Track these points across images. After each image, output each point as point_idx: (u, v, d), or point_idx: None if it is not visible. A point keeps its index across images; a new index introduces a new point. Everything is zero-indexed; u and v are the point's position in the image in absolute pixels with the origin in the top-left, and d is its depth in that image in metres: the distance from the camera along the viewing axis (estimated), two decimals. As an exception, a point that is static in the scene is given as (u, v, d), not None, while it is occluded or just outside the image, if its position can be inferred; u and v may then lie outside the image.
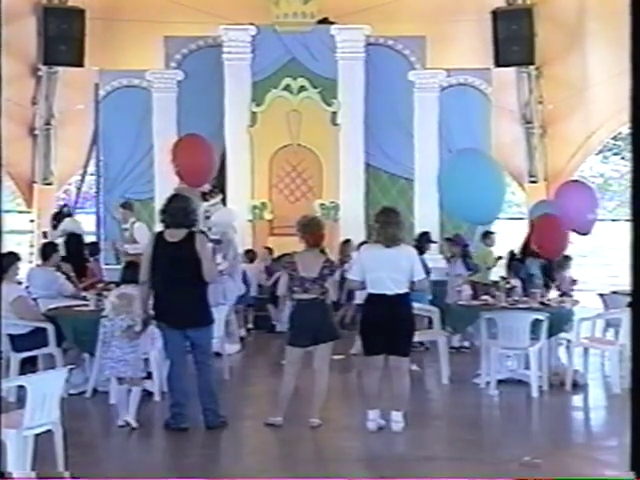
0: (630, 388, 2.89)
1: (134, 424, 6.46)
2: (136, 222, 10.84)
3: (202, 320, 6.57)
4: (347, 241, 11.85)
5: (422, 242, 9.66)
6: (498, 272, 10.45)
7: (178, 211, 6.51)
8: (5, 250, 8.06)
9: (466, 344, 9.85)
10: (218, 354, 8.10)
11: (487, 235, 11.13)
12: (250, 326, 11.66)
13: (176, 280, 6.36)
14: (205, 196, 10.68)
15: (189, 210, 6.62)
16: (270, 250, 12.40)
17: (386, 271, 6.28)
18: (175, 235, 6.45)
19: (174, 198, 6.79)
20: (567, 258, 10.62)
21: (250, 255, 12.01)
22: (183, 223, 6.49)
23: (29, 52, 14.48)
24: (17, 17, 13.55)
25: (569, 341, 8.48)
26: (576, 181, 12.07)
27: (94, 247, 11.49)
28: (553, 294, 9.59)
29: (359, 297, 8.44)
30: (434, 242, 10.45)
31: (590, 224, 9.82)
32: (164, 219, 6.56)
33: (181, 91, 13.80)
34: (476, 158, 9.49)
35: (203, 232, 7.63)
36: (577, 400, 7.80)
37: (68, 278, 8.98)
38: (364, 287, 6.45)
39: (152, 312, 6.53)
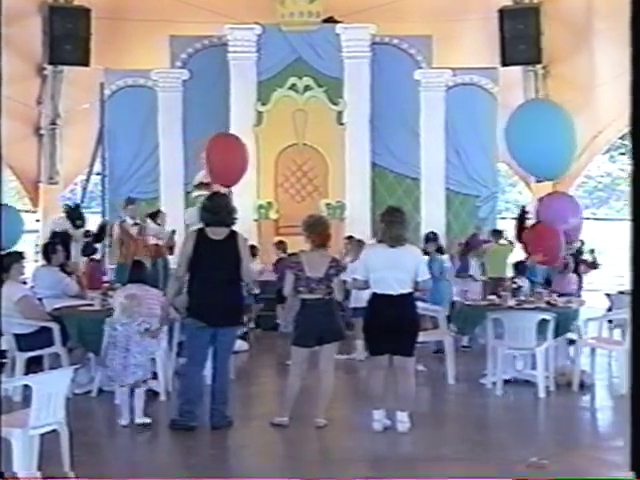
0: (630, 388, 2.88)
1: (146, 420, 6.47)
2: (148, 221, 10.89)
3: (236, 320, 6.64)
4: (351, 237, 11.71)
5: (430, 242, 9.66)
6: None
7: (221, 209, 6.51)
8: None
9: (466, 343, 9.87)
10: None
11: (495, 233, 11.26)
12: (252, 325, 11.51)
13: (218, 278, 6.36)
14: (200, 186, 10.75)
15: (231, 208, 6.63)
16: (283, 243, 12.13)
17: (390, 271, 6.27)
18: (218, 233, 6.45)
19: (215, 196, 6.79)
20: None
21: (252, 251, 11.80)
22: (225, 221, 6.50)
23: (34, 51, 14.51)
24: (22, 16, 13.58)
25: (574, 341, 8.49)
26: (556, 192, 12.04)
27: (89, 247, 11.47)
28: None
29: (354, 300, 8.42)
30: (440, 245, 10.43)
31: (574, 230, 9.77)
32: (205, 217, 6.56)
33: (186, 90, 13.83)
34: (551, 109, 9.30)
35: None
36: (584, 401, 7.78)
37: (73, 278, 9.01)
38: (368, 286, 6.45)
39: (183, 309, 6.55)
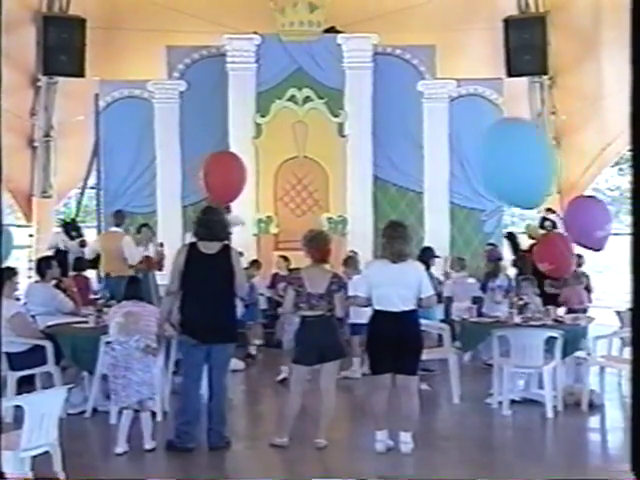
0: (631, 387, 2.87)
1: (151, 445, 6.44)
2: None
3: (231, 336, 6.61)
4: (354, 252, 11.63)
5: (425, 258, 9.57)
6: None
7: (215, 223, 6.53)
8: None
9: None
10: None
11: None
12: (258, 342, 11.42)
13: (210, 293, 6.38)
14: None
15: (224, 223, 6.66)
16: (286, 259, 11.96)
17: (393, 287, 6.26)
18: (210, 247, 6.46)
19: (208, 210, 6.79)
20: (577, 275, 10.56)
21: (255, 266, 11.64)
22: (218, 236, 6.51)
23: (28, 62, 14.54)
24: (16, 26, 13.62)
25: (584, 359, 8.46)
26: (588, 196, 12.03)
27: (80, 262, 11.44)
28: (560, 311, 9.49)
29: (354, 316, 8.39)
30: (437, 257, 10.36)
31: (602, 241, 9.75)
32: (198, 231, 6.57)
33: (184, 102, 13.85)
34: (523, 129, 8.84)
35: None
36: (593, 421, 7.75)
37: (68, 295, 8.98)
38: (370, 304, 6.43)
39: (177, 325, 6.54)
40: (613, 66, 13.60)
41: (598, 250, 9.98)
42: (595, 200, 11.01)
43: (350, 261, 10.14)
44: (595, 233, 9.49)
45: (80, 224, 13.47)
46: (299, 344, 6.58)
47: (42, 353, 7.49)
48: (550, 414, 7.57)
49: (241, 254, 7.73)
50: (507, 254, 12.23)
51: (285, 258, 11.99)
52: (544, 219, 12.43)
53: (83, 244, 11.84)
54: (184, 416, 6.50)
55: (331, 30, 13.77)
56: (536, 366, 7.76)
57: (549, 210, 12.59)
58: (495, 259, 10.90)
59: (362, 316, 8.27)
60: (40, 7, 14.57)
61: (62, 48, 14.40)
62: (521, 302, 8.93)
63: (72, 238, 12.02)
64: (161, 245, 11.29)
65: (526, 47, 14.53)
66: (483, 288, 10.78)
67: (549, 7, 14.69)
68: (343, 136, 13.59)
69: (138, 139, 13.86)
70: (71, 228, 12.42)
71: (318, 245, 6.59)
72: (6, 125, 12.60)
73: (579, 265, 10.73)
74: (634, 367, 2.80)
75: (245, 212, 13.18)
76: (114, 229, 11.10)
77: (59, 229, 12.89)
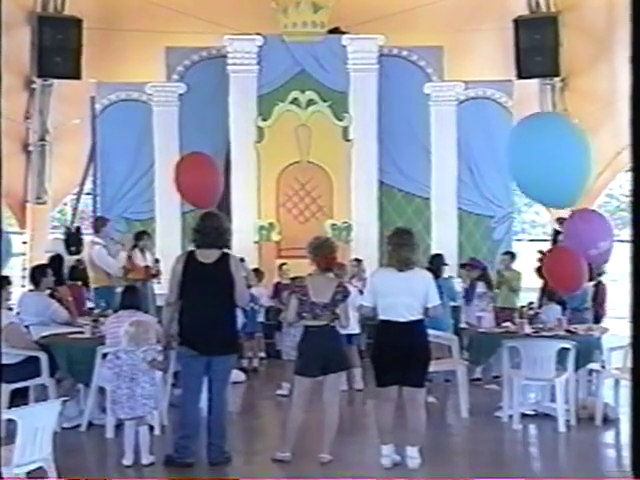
0: (631, 386, 2.86)
1: (149, 460, 6.43)
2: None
3: (231, 347, 6.61)
4: (358, 259, 11.65)
5: (435, 265, 9.55)
6: (526, 297, 10.46)
7: (211, 230, 6.52)
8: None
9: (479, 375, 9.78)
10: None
11: (511, 257, 11.20)
12: (263, 355, 11.49)
13: (208, 303, 6.37)
14: None
15: (222, 229, 6.63)
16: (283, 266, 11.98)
17: (399, 296, 6.26)
18: (208, 256, 6.46)
19: (206, 217, 6.77)
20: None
21: (257, 275, 11.68)
22: (216, 243, 6.50)
23: (22, 64, 14.56)
24: (10, 27, 13.64)
25: (597, 371, 8.45)
26: (583, 210, 11.87)
27: (75, 271, 11.45)
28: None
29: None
30: (446, 264, 10.34)
31: (604, 254, 9.65)
32: (195, 238, 6.58)
33: (183, 105, 13.86)
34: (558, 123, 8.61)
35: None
36: (608, 436, 7.74)
37: (63, 304, 8.98)
38: (376, 313, 6.43)
39: (176, 336, 6.53)
40: (628, 67, 13.58)
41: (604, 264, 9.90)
42: (591, 212, 10.84)
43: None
44: (595, 248, 9.36)
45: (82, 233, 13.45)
46: (302, 355, 6.58)
47: (36, 365, 7.50)
48: (562, 428, 7.55)
49: (242, 260, 7.73)
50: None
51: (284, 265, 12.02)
52: (557, 232, 12.28)
53: (79, 263, 11.80)
54: (183, 430, 6.50)
55: (335, 31, 13.78)
56: (548, 378, 7.76)
57: (560, 219, 12.46)
58: (481, 268, 10.91)
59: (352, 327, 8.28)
60: (35, 7, 14.60)
61: (57, 49, 14.41)
62: (531, 312, 8.92)
63: (70, 253, 11.99)
64: (157, 261, 11.28)
65: (537, 48, 14.52)
66: (466, 296, 10.80)
67: (561, 7, 14.68)
68: (348, 140, 13.59)
69: (136, 143, 13.86)
70: (73, 240, 12.38)
71: (324, 253, 6.59)
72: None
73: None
74: (634, 367, 2.80)
75: (246, 218, 13.20)
76: (95, 239, 11.06)
77: (59, 236, 12.84)
